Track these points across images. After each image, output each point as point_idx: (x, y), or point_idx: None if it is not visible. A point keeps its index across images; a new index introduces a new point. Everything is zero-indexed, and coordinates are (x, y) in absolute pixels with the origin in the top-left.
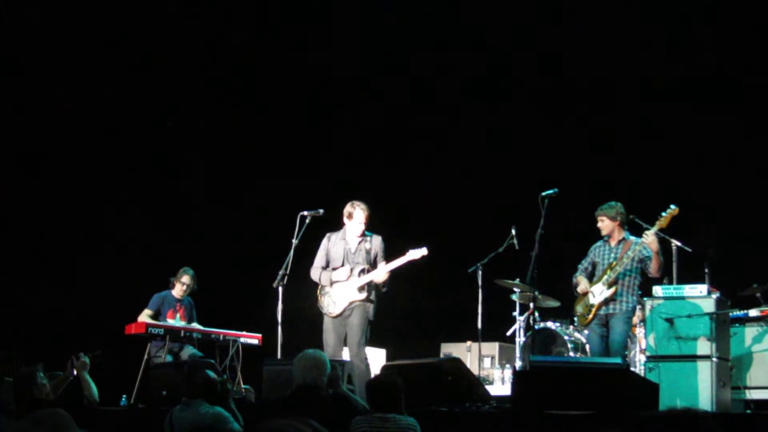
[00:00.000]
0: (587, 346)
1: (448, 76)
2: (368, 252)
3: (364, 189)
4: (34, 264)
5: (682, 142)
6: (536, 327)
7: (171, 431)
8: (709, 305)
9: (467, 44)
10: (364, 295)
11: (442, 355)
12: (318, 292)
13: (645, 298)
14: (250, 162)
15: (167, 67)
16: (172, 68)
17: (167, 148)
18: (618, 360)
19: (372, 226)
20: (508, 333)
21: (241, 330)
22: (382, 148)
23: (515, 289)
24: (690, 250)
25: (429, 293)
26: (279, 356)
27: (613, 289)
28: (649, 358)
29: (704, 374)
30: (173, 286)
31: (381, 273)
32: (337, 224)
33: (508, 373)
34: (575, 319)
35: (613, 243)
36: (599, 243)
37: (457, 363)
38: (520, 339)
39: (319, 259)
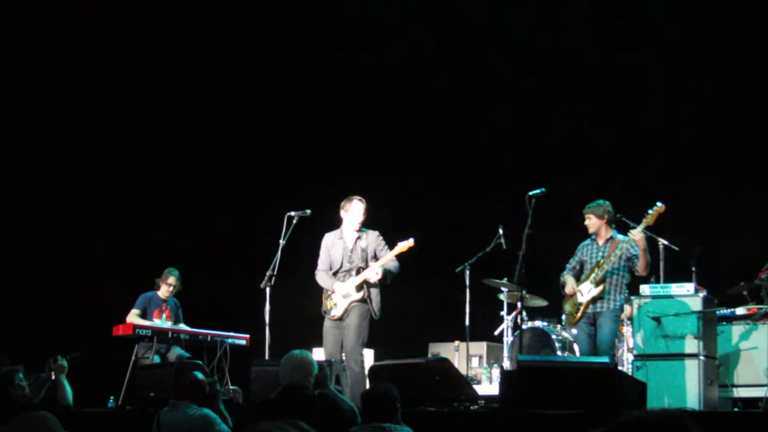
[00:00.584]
0: (575, 345)
1: (435, 73)
2: (364, 250)
3: (351, 189)
4: (20, 265)
5: (669, 140)
6: (524, 326)
7: None
8: (696, 304)
9: (454, 41)
10: (361, 294)
11: (430, 355)
12: (323, 294)
13: (632, 297)
14: (239, 161)
15: (151, 60)
16: (157, 61)
17: (152, 147)
18: (606, 359)
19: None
20: (496, 332)
21: (229, 331)
22: (369, 147)
23: (503, 289)
24: (677, 248)
25: (417, 293)
26: (267, 357)
27: (600, 288)
28: (637, 357)
29: (692, 372)
30: (159, 287)
31: (372, 271)
32: (326, 226)
33: (496, 372)
34: (563, 318)
35: (600, 241)
36: (587, 241)
37: (444, 363)
38: (507, 338)
39: (322, 262)
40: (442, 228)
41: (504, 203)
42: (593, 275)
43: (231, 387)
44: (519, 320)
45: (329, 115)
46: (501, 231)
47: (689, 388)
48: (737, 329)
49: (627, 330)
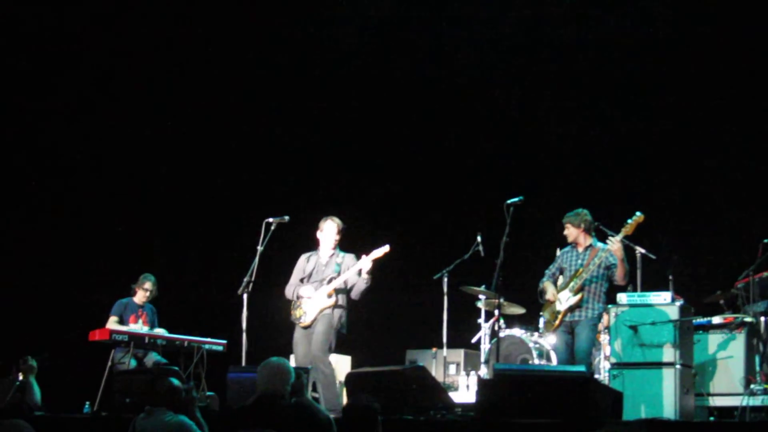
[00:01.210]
0: (552, 353)
1: (413, 81)
2: (338, 264)
3: (329, 195)
4: None
5: (647, 149)
6: (501, 334)
7: None
8: (673, 312)
9: (430, 48)
10: (332, 300)
11: (407, 362)
12: (291, 305)
13: (610, 306)
14: (216, 167)
15: (131, 62)
16: (137, 64)
17: (130, 152)
18: (582, 368)
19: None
20: (474, 340)
21: (206, 336)
22: (347, 154)
23: (480, 296)
24: (654, 257)
25: (394, 300)
26: (244, 363)
27: (579, 296)
28: (614, 365)
29: (668, 381)
30: (135, 293)
31: (343, 278)
32: (303, 234)
33: (473, 380)
34: (540, 325)
35: (580, 249)
36: (567, 248)
37: (421, 371)
38: (485, 346)
39: (294, 277)
40: (421, 235)
41: (482, 211)
42: (572, 284)
43: (207, 393)
44: (496, 328)
45: (308, 122)
46: (479, 238)
47: (665, 396)
48: (714, 338)
49: (604, 338)
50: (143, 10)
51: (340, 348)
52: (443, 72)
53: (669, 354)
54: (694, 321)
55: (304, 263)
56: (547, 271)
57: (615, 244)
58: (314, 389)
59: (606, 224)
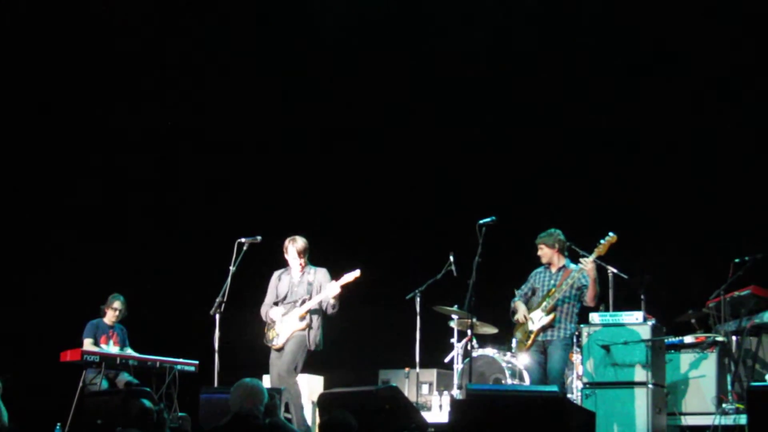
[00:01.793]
0: (525, 373)
1: (387, 99)
2: (310, 284)
3: (300, 215)
4: None
5: (618, 170)
6: (474, 354)
7: None
8: (645, 332)
9: (408, 66)
10: (304, 323)
11: (380, 382)
12: (266, 326)
13: (582, 325)
14: (187, 186)
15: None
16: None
17: (101, 170)
18: (555, 388)
19: (309, 254)
20: (446, 359)
21: (178, 357)
22: (317, 174)
23: (453, 316)
24: (626, 276)
25: (367, 320)
26: (216, 384)
27: (551, 316)
28: (586, 385)
29: (640, 401)
30: (104, 314)
31: (314, 302)
32: (275, 254)
33: (446, 399)
34: (513, 345)
35: (553, 269)
36: (540, 269)
37: (394, 391)
38: (458, 365)
39: (268, 297)
40: (393, 254)
41: (454, 231)
42: (544, 303)
43: (179, 414)
44: (469, 347)
45: (279, 140)
46: (452, 258)
47: (638, 416)
48: (686, 357)
49: (577, 358)
50: None
51: (313, 368)
52: (416, 91)
53: (641, 373)
54: (666, 340)
55: (276, 282)
56: (518, 291)
57: (588, 264)
58: (287, 410)
59: (578, 245)
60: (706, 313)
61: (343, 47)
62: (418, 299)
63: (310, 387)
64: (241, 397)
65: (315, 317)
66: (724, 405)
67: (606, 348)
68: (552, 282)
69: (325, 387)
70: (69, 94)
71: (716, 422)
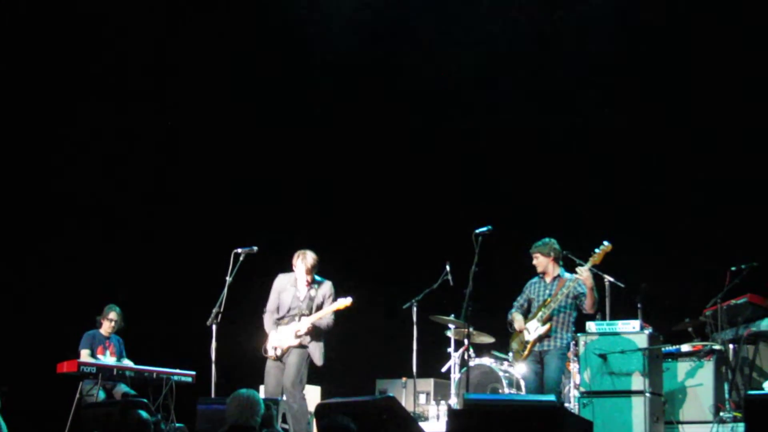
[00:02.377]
0: (522, 382)
1: (384, 112)
2: (312, 299)
3: (296, 225)
4: None
5: (614, 178)
6: (471, 363)
7: None
8: (641, 341)
9: (403, 76)
10: (298, 341)
11: (377, 392)
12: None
13: (579, 334)
14: (185, 197)
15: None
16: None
17: (96, 182)
18: (552, 397)
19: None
20: (443, 369)
21: (175, 368)
22: (316, 184)
23: (450, 326)
24: (623, 285)
25: (364, 329)
26: (213, 395)
27: (547, 326)
28: (583, 394)
29: (638, 410)
30: (101, 325)
31: (305, 325)
32: (272, 264)
33: (443, 409)
34: (510, 354)
35: (548, 279)
36: (534, 279)
37: (392, 401)
38: (455, 375)
39: (271, 303)
40: (390, 264)
41: (451, 240)
42: (540, 313)
43: (176, 425)
44: (466, 357)
45: (276, 150)
46: (448, 268)
47: (635, 425)
48: (683, 366)
49: (574, 367)
50: None
51: (310, 378)
52: (412, 102)
53: (638, 382)
54: (663, 349)
55: (280, 288)
56: (515, 303)
57: (584, 272)
58: (284, 420)
59: (574, 254)
60: (703, 322)
61: (342, 71)
62: (414, 309)
63: (308, 397)
64: (237, 408)
65: (315, 334)
66: (721, 413)
67: (603, 357)
68: (547, 292)
69: (323, 397)
70: (74, 101)
71: (714, 431)
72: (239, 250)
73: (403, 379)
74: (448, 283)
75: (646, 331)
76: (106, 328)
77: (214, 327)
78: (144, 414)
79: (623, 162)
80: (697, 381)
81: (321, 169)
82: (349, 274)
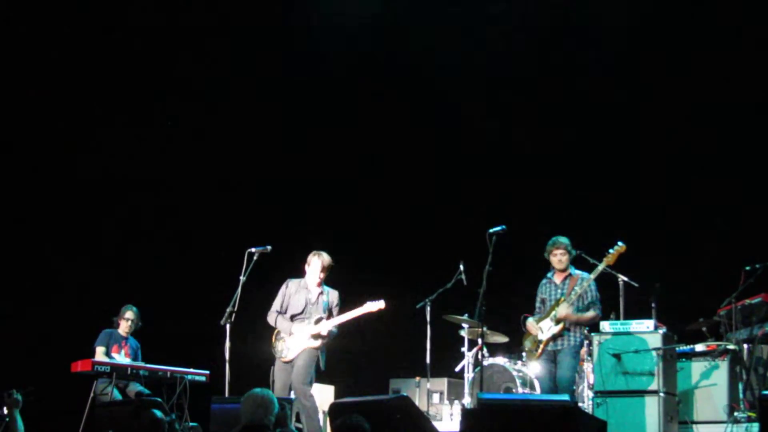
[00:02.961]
0: (536, 382)
1: (398, 109)
2: (326, 303)
3: (309, 226)
4: None
5: (628, 177)
6: (485, 363)
7: None
8: (655, 340)
9: (408, 72)
10: (318, 342)
11: (391, 392)
12: (273, 336)
13: (592, 334)
14: (199, 196)
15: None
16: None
17: (108, 185)
18: (566, 397)
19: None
20: (457, 368)
21: (189, 367)
22: (330, 185)
23: (464, 325)
24: (636, 285)
25: (378, 329)
26: (227, 394)
27: (560, 326)
28: (597, 394)
29: (651, 409)
30: (118, 325)
31: (330, 324)
32: (286, 264)
33: (457, 409)
34: (524, 354)
35: (558, 280)
36: (544, 281)
37: (405, 401)
38: (468, 374)
39: (276, 304)
40: (403, 264)
41: (465, 239)
42: (553, 313)
43: (190, 424)
44: (480, 356)
45: (289, 151)
46: (461, 267)
47: (649, 424)
48: (697, 366)
49: (587, 366)
50: None
51: (323, 377)
52: (424, 99)
53: (652, 382)
54: (677, 349)
55: (290, 292)
56: (535, 312)
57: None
58: (297, 420)
59: (588, 253)
60: (717, 321)
61: (346, 75)
62: (428, 308)
63: (321, 396)
64: (251, 407)
65: (323, 341)
66: (735, 413)
67: (617, 356)
68: (559, 292)
69: (336, 396)
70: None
71: (728, 431)
72: (253, 250)
73: (417, 378)
74: (462, 282)
75: (660, 331)
76: (124, 327)
77: (228, 326)
78: (158, 413)
79: (641, 161)
80: (711, 381)
81: (335, 169)
82: (362, 273)
